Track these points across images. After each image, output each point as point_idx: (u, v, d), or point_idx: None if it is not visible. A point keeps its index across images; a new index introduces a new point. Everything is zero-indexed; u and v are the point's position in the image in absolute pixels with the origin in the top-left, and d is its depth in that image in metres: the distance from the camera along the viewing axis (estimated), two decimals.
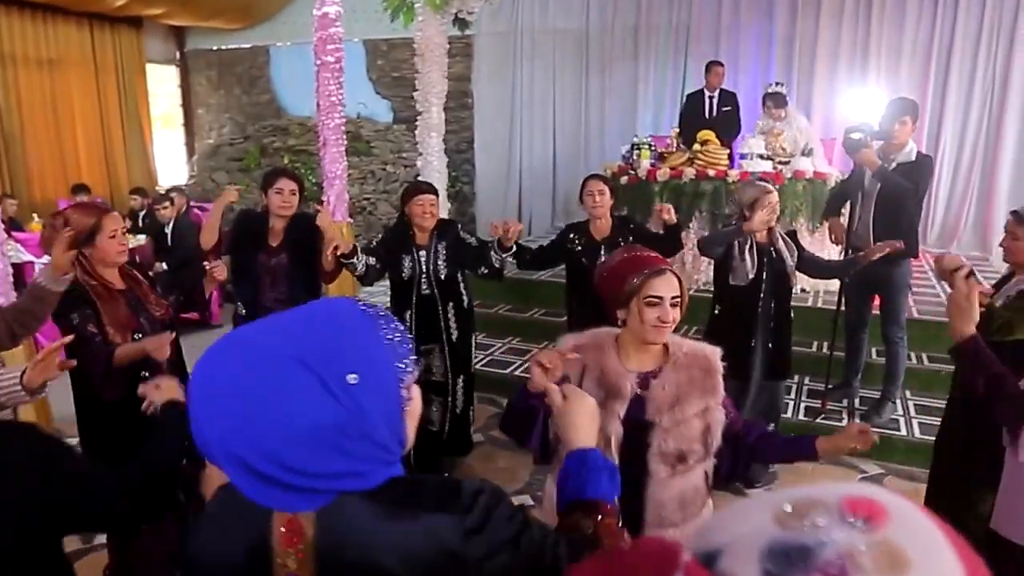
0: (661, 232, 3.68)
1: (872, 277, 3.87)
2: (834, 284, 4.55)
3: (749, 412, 3.45)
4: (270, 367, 0.81)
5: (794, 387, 4.50)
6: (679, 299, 1.72)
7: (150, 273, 2.91)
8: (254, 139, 9.82)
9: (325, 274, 3.48)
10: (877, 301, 4.06)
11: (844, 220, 4.08)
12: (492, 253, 3.46)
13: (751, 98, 7.63)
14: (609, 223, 3.62)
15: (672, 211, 3.55)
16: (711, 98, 6.81)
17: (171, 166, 10.35)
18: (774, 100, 5.90)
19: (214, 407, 0.82)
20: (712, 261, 5.01)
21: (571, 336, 1.82)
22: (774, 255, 3.38)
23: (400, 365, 0.88)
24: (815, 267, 3.70)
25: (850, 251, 3.83)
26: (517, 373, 4.80)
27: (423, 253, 3.43)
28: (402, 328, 0.91)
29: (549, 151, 8.75)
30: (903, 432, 3.98)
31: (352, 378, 0.82)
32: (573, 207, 8.74)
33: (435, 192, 3.51)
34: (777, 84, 6.00)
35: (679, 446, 1.69)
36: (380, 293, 6.42)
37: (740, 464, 1.82)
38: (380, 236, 3.71)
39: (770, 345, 3.45)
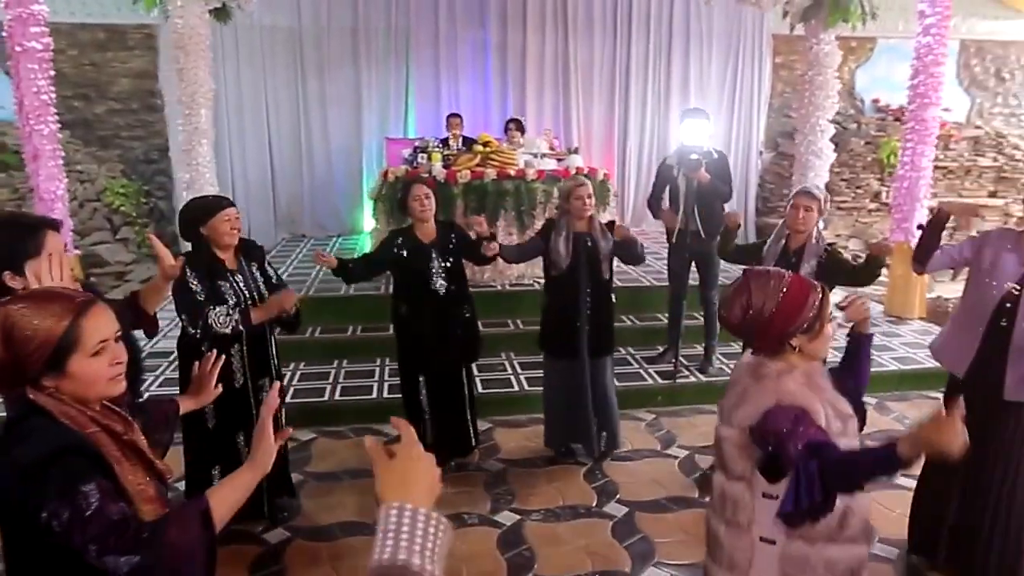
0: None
1: (693, 253, 4.74)
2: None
3: (589, 390, 3.69)
4: None
5: (630, 359, 5.10)
6: None
7: None
8: None
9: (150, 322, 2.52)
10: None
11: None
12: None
13: (472, 101, 8.13)
14: (434, 227, 3.60)
15: (484, 223, 3.58)
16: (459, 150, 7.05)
17: None
18: (516, 124, 6.83)
19: None
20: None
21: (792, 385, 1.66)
22: (589, 243, 3.66)
23: None
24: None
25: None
26: (396, 395, 4.47)
27: (239, 278, 2.98)
28: None
29: (265, 158, 8.01)
30: None
31: None
32: (297, 216, 8.19)
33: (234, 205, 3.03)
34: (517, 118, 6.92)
35: None
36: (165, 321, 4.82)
37: None
38: (187, 281, 2.82)
39: (593, 325, 3.69)
